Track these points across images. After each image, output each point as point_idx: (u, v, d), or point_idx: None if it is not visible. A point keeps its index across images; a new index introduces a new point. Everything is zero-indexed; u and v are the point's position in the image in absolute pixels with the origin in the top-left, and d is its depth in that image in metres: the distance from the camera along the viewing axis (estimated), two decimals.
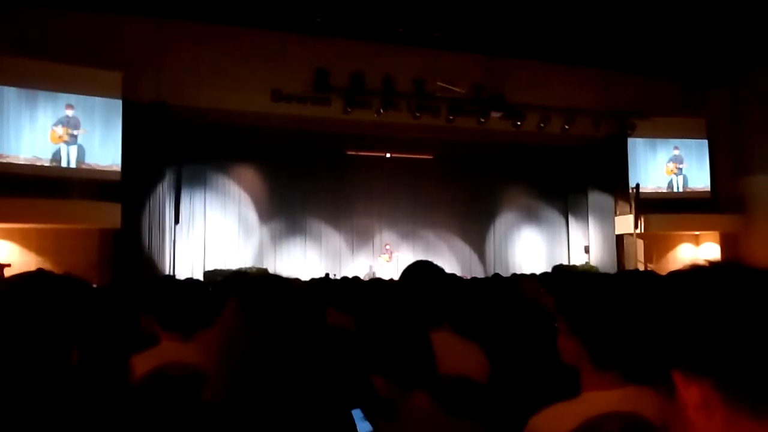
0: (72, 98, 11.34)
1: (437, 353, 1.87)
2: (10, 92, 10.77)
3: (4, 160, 10.64)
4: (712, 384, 0.72)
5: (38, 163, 11.01)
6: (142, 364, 2.47)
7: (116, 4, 11.58)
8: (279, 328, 1.07)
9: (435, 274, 2.52)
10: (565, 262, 17.01)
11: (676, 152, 15.76)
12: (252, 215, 15.85)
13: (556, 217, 18.21)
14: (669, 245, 16.20)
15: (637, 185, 14.84)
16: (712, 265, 0.82)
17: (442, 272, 2.56)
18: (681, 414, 0.75)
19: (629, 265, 14.83)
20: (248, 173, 15.91)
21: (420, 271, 2.54)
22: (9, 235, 11.22)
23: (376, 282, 5.86)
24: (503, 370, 2.54)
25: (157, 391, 2.37)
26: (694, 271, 0.82)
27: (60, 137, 11.21)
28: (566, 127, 14.81)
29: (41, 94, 11.07)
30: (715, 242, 16.03)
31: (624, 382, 1.60)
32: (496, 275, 7.28)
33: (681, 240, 16.35)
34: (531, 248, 17.96)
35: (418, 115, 13.79)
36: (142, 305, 3.11)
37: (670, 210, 15.12)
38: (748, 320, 0.73)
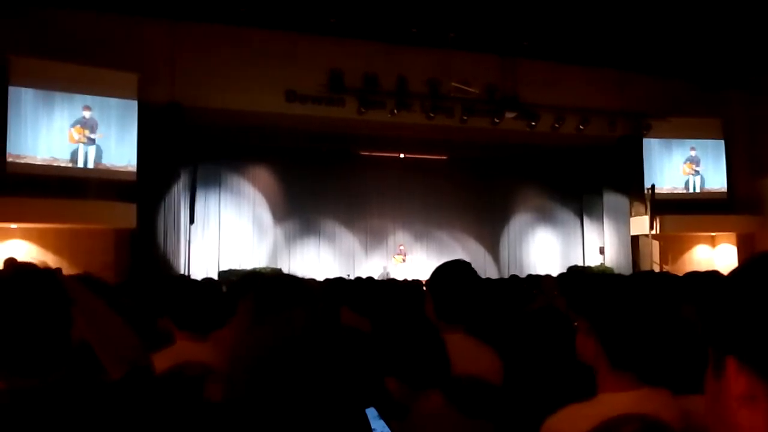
0: (88, 99, 11.42)
1: (451, 354, 1.87)
2: (28, 93, 10.84)
3: (22, 161, 10.73)
4: (760, 376, 0.67)
5: (55, 164, 11.10)
6: (158, 363, 2.48)
7: (132, 6, 11.67)
8: (283, 328, 1.08)
9: (471, 276, 2.48)
10: (580, 264, 16.93)
11: (693, 153, 15.63)
12: (266, 215, 15.90)
13: (571, 218, 18.11)
14: (685, 246, 16.06)
15: (653, 186, 14.73)
16: None
17: (476, 275, 2.52)
18: (723, 406, 0.71)
19: (644, 267, 14.72)
20: (262, 174, 15.97)
21: (455, 271, 2.50)
22: (26, 235, 11.34)
23: (390, 283, 5.88)
24: (518, 371, 2.53)
25: (172, 391, 2.37)
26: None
27: (78, 139, 11.31)
28: (581, 127, 14.70)
29: (58, 95, 11.16)
30: (732, 243, 15.87)
31: (640, 384, 1.59)
32: (514, 276, 7.26)
33: (697, 241, 16.20)
34: (545, 249, 17.87)
35: (431, 115, 13.75)
36: (157, 305, 3.13)
37: (686, 211, 14.99)
38: None
